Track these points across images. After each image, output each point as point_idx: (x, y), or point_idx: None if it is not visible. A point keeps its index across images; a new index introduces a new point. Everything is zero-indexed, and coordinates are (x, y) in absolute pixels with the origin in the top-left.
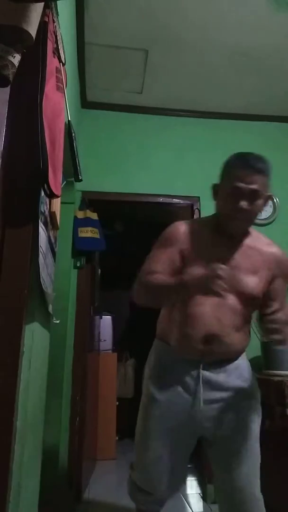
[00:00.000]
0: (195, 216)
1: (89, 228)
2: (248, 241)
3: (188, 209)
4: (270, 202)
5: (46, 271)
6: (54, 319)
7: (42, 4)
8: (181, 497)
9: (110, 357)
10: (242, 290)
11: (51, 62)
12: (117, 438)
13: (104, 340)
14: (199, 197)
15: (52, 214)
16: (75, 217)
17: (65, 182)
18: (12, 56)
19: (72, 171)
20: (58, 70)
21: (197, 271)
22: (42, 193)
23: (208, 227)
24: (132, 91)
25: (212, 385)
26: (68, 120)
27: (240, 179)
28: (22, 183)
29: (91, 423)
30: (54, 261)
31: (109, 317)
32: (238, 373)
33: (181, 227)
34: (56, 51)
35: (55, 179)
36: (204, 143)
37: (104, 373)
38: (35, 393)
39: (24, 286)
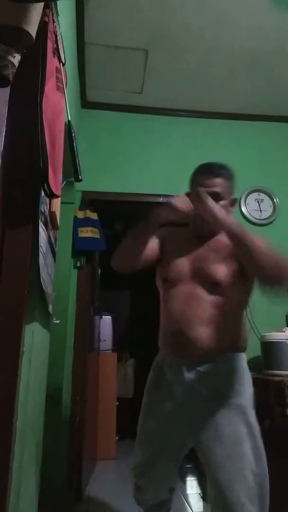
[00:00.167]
0: None
1: (89, 228)
2: (218, 238)
3: None
4: (270, 203)
5: (46, 271)
6: (54, 319)
7: (42, 4)
8: (181, 497)
9: (110, 357)
10: (208, 276)
11: (51, 62)
12: (117, 438)
13: (104, 340)
14: None
15: (52, 214)
16: (75, 217)
17: (65, 182)
18: (12, 56)
19: (72, 171)
20: (58, 70)
21: (170, 262)
22: (42, 193)
23: (185, 231)
24: (132, 91)
25: (195, 388)
26: (68, 120)
27: (202, 183)
28: (22, 183)
29: (91, 423)
30: (54, 261)
31: (109, 317)
32: (222, 374)
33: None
34: (56, 51)
35: (55, 179)
36: (204, 143)
37: (104, 373)
38: (35, 393)
39: (24, 286)
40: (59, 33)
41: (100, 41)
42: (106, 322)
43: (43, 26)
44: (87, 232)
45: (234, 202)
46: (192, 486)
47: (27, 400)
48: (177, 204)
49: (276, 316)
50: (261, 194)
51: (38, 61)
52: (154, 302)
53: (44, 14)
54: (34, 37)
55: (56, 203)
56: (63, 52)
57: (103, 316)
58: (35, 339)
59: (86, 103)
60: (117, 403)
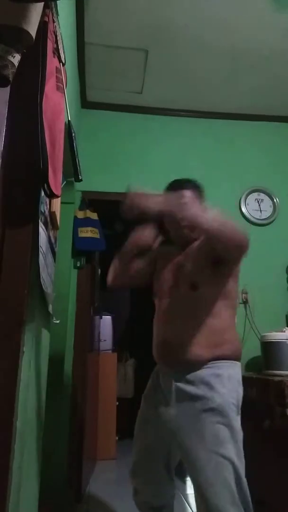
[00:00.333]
0: None
1: (89, 228)
2: (194, 244)
3: None
4: (270, 203)
5: (46, 271)
6: (54, 319)
7: (42, 4)
8: (181, 497)
9: (110, 357)
10: (185, 278)
11: (51, 62)
12: (117, 438)
13: (104, 340)
14: None
15: (52, 214)
16: (75, 217)
17: (65, 182)
18: (12, 56)
19: (72, 171)
20: (58, 70)
21: (157, 276)
22: (42, 193)
23: (169, 246)
24: (132, 91)
25: (182, 396)
26: (68, 120)
27: None
28: (22, 183)
29: (91, 423)
30: (54, 261)
31: (109, 317)
32: (205, 381)
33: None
34: (56, 51)
35: (55, 179)
36: (204, 143)
37: (104, 373)
38: (35, 393)
39: (24, 286)
40: (59, 33)
41: (100, 41)
42: (106, 322)
43: (43, 26)
44: (87, 232)
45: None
46: (192, 486)
47: (27, 400)
48: (129, 199)
49: (276, 316)
50: (261, 194)
51: (38, 61)
52: (154, 302)
53: (44, 14)
54: (34, 37)
55: (56, 203)
56: (63, 52)
57: (103, 316)
58: (35, 339)
59: (86, 103)
60: (117, 403)
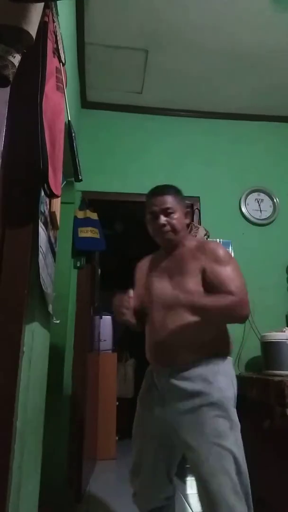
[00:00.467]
0: (195, 216)
1: (89, 228)
2: (183, 249)
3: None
4: (270, 203)
5: (46, 271)
6: (54, 319)
7: (42, 4)
8: (181, 497)
9: (110, 357)
10: (182, 289)
11: (51, 62)
12: (117, 438)
13: (104, 340)
14: (199, 197)
15: (52, 214)
16: (75, 217)
17: (65, 182)
18: (12, 56)
19: (72, 171)
20: (58, 70)
21: (150, 285)
22: (42, 193)
23: (160, 253)
24: (132, 91)
25: (179, 393)
26: (68, 120)
27: (153, 204)
28: (22, 183)
29: (91, 423)
30: (54, 261)
31: (109, 317)
32: (203, 378)
33: (141, 264)
34: (56, 51)
35: (55, 179)
36: (204, 143)
37: (104, 373)
38: (35, 393)
39: (24, 286)
40: (59, 33)
41: (100, 41)
42: (106, 322)
43: (43, 26)
44: (87, 232)
45: (187, 214)
46: (192, 486)
47: (27, 400)
48: (116, 303)
49: (276, 316)
50: (261, 194)
51: (38, 61)
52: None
53: (44, 14)
54: (34, 37)
55: (56, 203)
56: (63, 52)
57: (103, 316)
58: (35, 339)
59: (86, 103)
60: (117, 403)
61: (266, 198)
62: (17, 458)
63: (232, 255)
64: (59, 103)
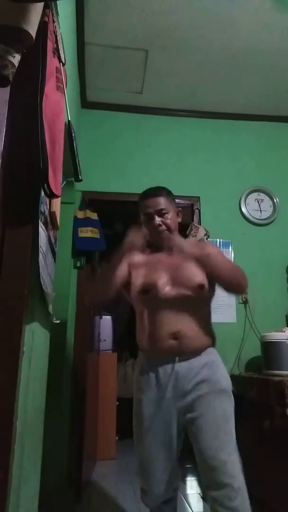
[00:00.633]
0: (195, 216)
1: (89, 228)
2: (179, 248)
3: (188, 209)
4: (270, 203)
5: (46, 271)
6: (54, 319)
7: (42, 4)
8: (181, 497)
9: (110, 357)
10: (192, 281)
11: (51, 62)
12: (117, 438)
13: (104, 340)
14: (199, 197)
15: (52, 214)
16: (75, 217)
17: (65, 182)
18: (12, 56)
19: (72, 171)
20: (58, 70)
21: (146, 276)
22: (42, 193)
23: (145, 250)
24: (132, 91)
25: (185, 378)
26: (68, 120)
27: (147, 206)
28: (22, 183)
29: (91, 423)
30: (54, 261)
31: (109, 317)
32: (208, 366)
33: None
34: (56, 51)
35: (55, 179)
36: (204, 143)
37: (104, 373)
38: (35, 394)
39: (24, 286)
40: (59, 33)
41: (100, 41)
42: (106, 322)
43: (43, 26)
44: (87, 232)
45: (179, 213)
46: (192, 486)
47: (27, 400)
48: (132, 239)
49: (276, 316)
50: (261, 194)
51: (38, 61)
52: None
53: (44, 14)
54: (34, 37)
55: (56, 203)
56: (63, 52)
57: (103, 316)
58: (35, 339)
59: (86, 103)
60: (117, 403)
61: (266, 198)
62: (17, 458)
63: (232, 255)
64: (59, 103)
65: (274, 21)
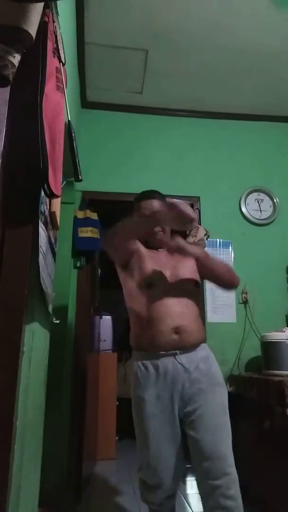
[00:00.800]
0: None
1: (89, 228)
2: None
3: None
4: (270, 203)
5: (46, 271)
6: (54, 319)
7: (42, 4)
8: (181, 497)
9: (110, 357)
10: (187, 279)
11: (51, 62)
12: (117, 438)
13: (104, 340)
14: (199, 197)
15: (52, 214)
16: (75, 217)
17: (65, 182)
18: (12, 56)
19: (72, 171)
20: (58, 70)
21: (149, 269)
22: (42, 193)
23: (146, 247)
24: (132, 91)
25: (185, 371)
26: (68, 120)
27: (143, 208)
28: (22, 183)
29: (91, 423)
30: (54, 261)
31: (109, 317)
32: (204, 360)
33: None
34: (56, 51)
35: (55, 179)
36: (204, 143)
37: (104, 373)
38: (35, 394)
39: (24, 286)
40: (59, 33)
41: (100, 41)
42: (106, 322)
43: (43, 26)
44: (87, 232)
45: None
46: (192, 486)
47: (27, 400)
48: (188, 211)
49: (276, 316)
50: (261, 194)
51: (38, 61)
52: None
53: (44, 14)
54: (34, 37)
55: (56, 203)
56: (63, 52)
57: (103, 316)
58: (35, 339)
59: (86, 103)
60: (117, 403)
61: (266, 198)
62: (17, 458)
63: (232, 255)
64: (59, 103)
65: (274, 21)
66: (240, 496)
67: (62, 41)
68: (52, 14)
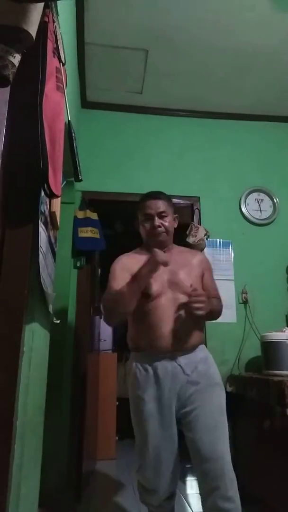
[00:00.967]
0: (195, 216)
1: (89, 228)
2: (175, 251)
3: (188, 209)
4: (270, 203)
5: (46, 271)
6: (54, 319)
7: (42, 4)
8: (181, 497)
9: (110, 357)
10: (187, 284)
11: (51, 62)
12: (117, 438)
13: (104, 340)
14: (199, 197)
15: (52, 214)
16: (75, 217)
17: (65, 182)
18: (12, 56)
19: (72, 171)
20: (58, 70)
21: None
22: (42, 193)
23: (143, 252)
24: (132, 91)
25: (184, 372)
26: (68, 120)
27: (148, 207)
28: (22, 183)
29: (91, 423)
30: (54, 261)
31: None
32: (203, 361)
33: (123, 257)
34: (56, 51)
35: (55, 179)
36: (204, 143)
37: (104, 373)
38: (35, 393)
39: (24, 286)
40: (59, 33)
41: (100, 41)
42: None
43: (43, 26)
44: (87, 232)
45: (176, 219)
46: (192, 486)
47: (27, 400)
48: (162, 258)
49: (276, 316)
50: (261, 194)
51: (38, 61)
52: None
53: (44, 14)
54: (34, 37)
55: (56, 203)
56: (63, 52)
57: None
58: (35, 339)
59: (86, 103)
60: (117, 403)
61: (266, 198)
62: (17, 458)
63: (232, 255)
64: (59, 103)
65: (274, 21)
66: (238, 497)
67: (62, 41)
68: (52, 14)
